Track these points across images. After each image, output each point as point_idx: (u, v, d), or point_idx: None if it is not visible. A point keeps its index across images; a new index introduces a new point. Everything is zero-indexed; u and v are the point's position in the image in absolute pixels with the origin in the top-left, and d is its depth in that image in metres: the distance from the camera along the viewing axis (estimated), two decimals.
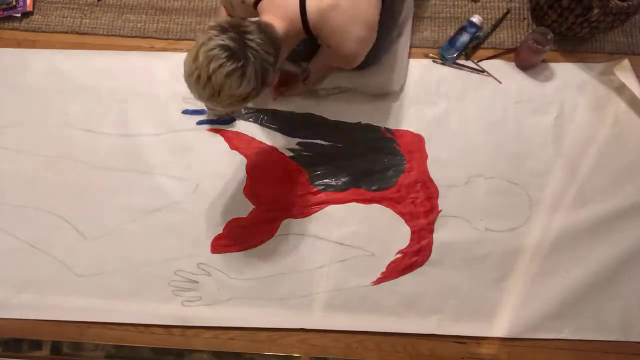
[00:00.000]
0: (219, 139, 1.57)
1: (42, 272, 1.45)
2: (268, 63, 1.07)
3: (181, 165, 1.55)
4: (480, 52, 1.68)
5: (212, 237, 1.48)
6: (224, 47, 1.02)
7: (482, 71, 1.64)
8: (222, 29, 1.04)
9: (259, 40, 1.05)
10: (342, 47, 1.25)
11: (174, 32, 1.72)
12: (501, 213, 1.51)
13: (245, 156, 1.56)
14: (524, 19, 1.73)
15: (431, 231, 1.49)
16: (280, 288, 1.44)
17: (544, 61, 1.65)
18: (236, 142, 1.57)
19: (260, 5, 1.19)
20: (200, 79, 1.03)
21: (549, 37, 1.57)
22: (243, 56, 1.03)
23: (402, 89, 1.61)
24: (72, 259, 1.46)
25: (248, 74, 1.04)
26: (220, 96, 1.05)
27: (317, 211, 1.50)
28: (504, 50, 1.68)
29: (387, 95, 1.59)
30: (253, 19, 1.13)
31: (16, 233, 1.48)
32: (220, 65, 1.02)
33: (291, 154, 1.56)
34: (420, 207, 1.51)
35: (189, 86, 1.08)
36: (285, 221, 1.50)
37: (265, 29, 1.09)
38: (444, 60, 1.65)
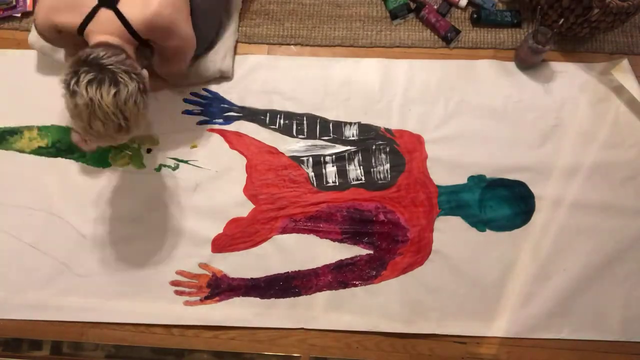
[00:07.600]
0: (219, 139, 1.57)
1: (42, 272, 1.45)
2: (126, 65, 1.16)
3: (181, 165, 1.55)
4: (481, 52, 1.68)
5: (213, 237, 1.48)
6: (90, 82, 1.11)
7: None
8: (76, 71, 1.12)
9: (112, 57, 1.15)
10: (173, 44, 1.34)
11: None
12: (501, 212, 1.51)
13: (245, 156, 1.56)
14: (524, 19, 1.73)
15: (431, 231, 1.49)
16: (280, 288, 1.44)
17: (544, 61, 1.65)
18: (236, 142, 1.57)
19: (87, 30, 1.24)
20: (102, 122, 1.12)
21: (549, 37, 1.57)
22: (108, 77, 1.12)
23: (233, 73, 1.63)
24: (72, 259, 1.46)
25: (123, 82, 1.13)
26: (126, 117, 1.14)
27: (317, 211, 1.50)
28: (504, 50, 1.68)
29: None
30: (95, 43, 1.22)
31: (17, 233, 1.48)
32: (102, 96, 1.11)
33: (291, 153, 1.56)
34: (420, 206, 1.51)
35: (95, 134, 1.15)
36: (285, 221, 1.50)
37: (105, 45, 1.20)
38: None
